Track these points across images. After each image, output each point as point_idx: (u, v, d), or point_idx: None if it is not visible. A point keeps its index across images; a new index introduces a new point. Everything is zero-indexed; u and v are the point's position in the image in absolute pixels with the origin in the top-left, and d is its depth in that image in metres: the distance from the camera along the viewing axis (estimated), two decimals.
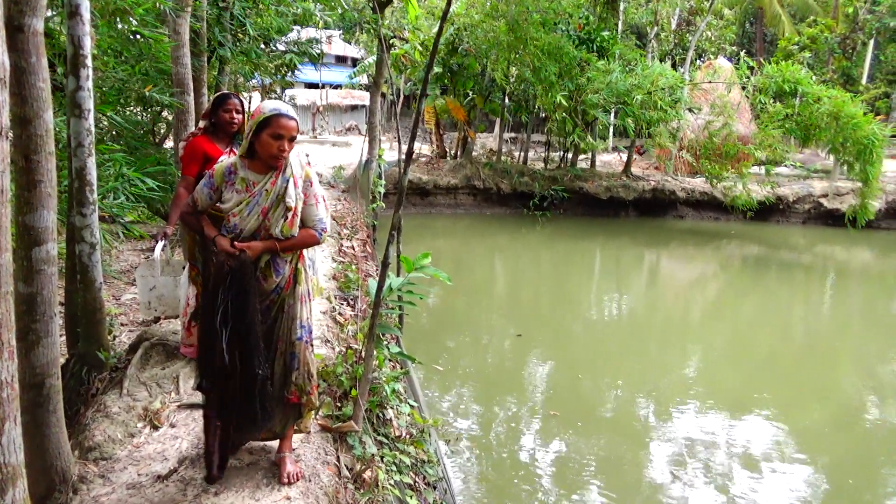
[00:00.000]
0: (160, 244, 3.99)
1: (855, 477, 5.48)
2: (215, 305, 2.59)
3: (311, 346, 2.94)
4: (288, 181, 2.69)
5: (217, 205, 2.74)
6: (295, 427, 2.99)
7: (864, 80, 22.64)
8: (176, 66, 5.38)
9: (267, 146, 2.61)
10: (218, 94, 3.78)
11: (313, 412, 3.15)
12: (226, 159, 2.83)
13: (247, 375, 2.65)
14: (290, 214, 2.69)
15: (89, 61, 3.13)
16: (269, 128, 2.59)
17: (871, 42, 23.29)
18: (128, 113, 6.80)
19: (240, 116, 3.72)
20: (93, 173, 3.29)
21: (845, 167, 16.62)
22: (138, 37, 5.77)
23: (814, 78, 16.46)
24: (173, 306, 4.37)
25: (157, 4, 5.34)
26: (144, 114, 7.46)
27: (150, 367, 3.73)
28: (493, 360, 7.92)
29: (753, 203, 16.47)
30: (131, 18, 5.43)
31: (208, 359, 2.66)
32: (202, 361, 2.73)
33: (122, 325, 4.80)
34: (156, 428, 3.26)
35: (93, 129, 3.25)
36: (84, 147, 3.20)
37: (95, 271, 3.44)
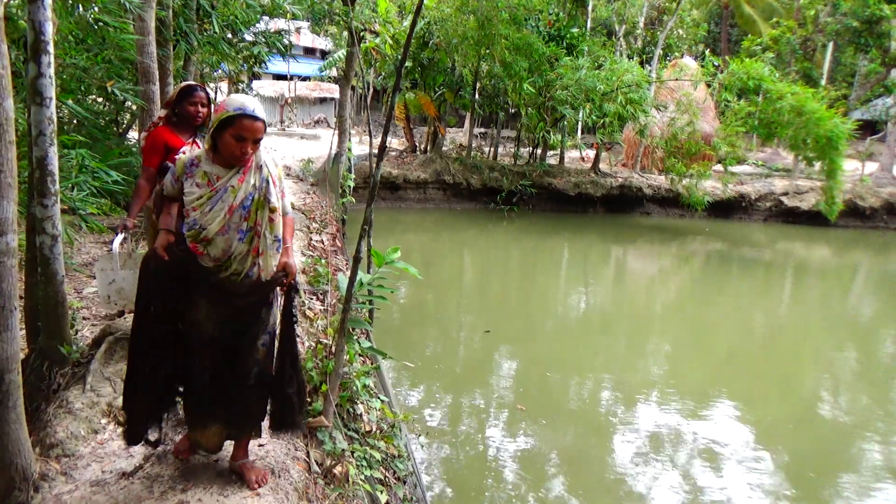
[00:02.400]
0: (119, 237, 3.88)
1: (815, 470, 5.64)
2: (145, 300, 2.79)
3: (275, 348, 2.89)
4: (267, 181, 2.61)
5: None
6: (253, 434, 2.90)
7: (823, 82, 23.22)
8: (141, 55, 5.22)
9: (229, 146, 2.50)
10: (184, 84, 3.70)
11: None
12: (190, 152, 2.77)
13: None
14: (275, 216, 2.63)
15: (51, 48, 3.03)
16: (231, 128, 2.47)
17: (831, 44, 23.86)
18: (90, 102, 6.61)
19: (205, 110, 3.65)
20: (54, 163, 3.19)
21: (805, 164, 17.04)
22: (101, 24, 5.60)
23: (777, 75, 16.84)
24: (134, 300, 4.27)
25: None
26: (107, 104, 7.27)
27: (115, 363, 3.65)
28: (462, 356, 7.95)
29: (703, 202, 16.86)
30: (94, 5, 5.27)
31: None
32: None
33: (84, 318, 4.68)
34: (120, 424, 3.19)
35: (54, 117, 3.16)
36: (45, 136, 3.10)
37: (57, 264, 3.34)
